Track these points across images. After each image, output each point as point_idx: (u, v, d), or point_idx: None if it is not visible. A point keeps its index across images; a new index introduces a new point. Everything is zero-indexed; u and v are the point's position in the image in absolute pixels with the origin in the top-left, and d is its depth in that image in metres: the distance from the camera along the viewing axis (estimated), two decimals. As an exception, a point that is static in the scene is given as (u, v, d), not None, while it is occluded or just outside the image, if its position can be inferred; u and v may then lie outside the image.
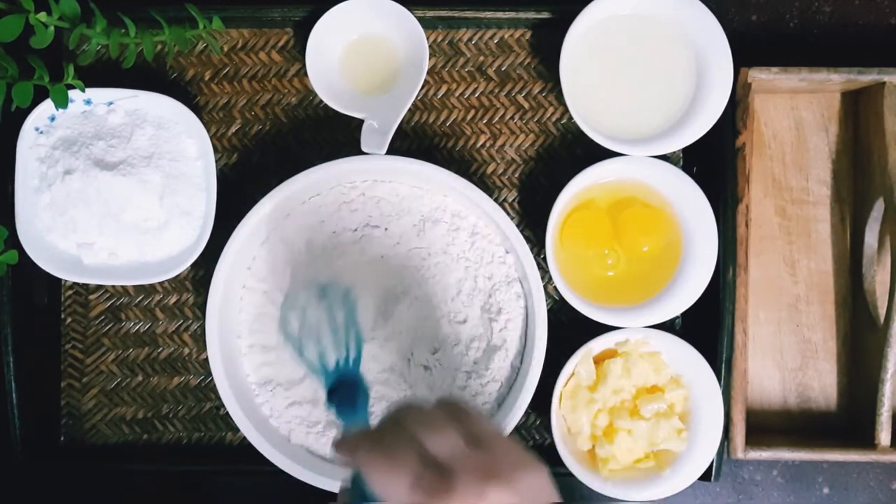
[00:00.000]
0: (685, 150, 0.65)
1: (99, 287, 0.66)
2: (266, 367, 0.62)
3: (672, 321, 0.65)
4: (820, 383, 0.67)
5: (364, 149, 0.63)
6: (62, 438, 0.66)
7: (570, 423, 0.62)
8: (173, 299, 0.66)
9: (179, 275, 0.63)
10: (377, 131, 0.62)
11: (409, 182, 0.63)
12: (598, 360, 0.63)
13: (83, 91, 0.60)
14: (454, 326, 0.62)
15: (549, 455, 0.63)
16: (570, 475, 0.61)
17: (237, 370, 0.61)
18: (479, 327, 0.62)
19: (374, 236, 0.62)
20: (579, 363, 0.62)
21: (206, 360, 0.60)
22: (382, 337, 0.61)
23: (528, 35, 0.66)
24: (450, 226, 0.62)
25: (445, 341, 0.61)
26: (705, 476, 0.62)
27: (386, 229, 0.62)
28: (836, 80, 0.63)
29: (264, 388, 0.62)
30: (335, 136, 0.66)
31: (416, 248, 0.62)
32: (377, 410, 0.61)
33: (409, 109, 0.65)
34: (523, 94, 0.67)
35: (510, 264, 0.62)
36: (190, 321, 0.66)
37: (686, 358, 0.62)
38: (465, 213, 0.63)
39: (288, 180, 0.59)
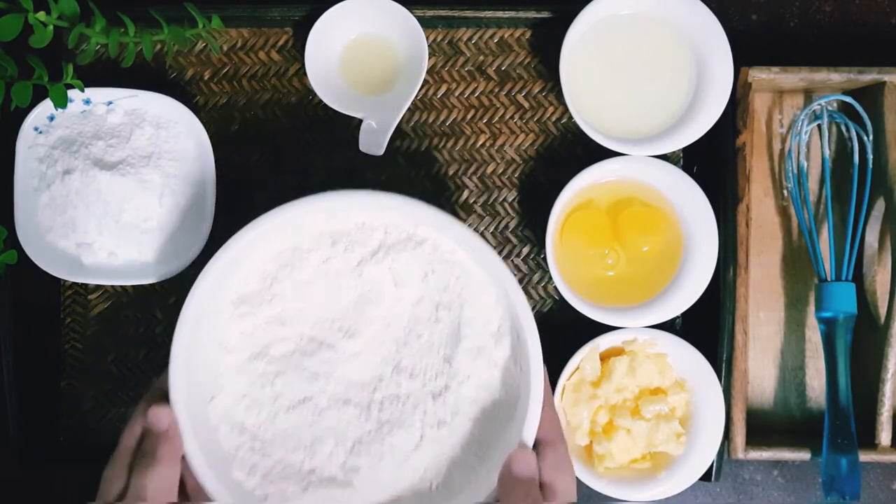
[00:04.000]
0: (685, 149, 0.65)
1: (98, 287, 0.66)
2: (244, 421, 0.55)
3: (672, 321, 0.65)
4: (820, 383, 0.67)
5: (362, 148, 0.63)
6: (62, 438, 0.66)
7: (569, 416, 0.62)
8: (173, 299, 0.66)
9: (178, 274, 0.63)
10: (376, 131, 0.62)
11: (390, 218, 0.56)
12: (604, 358, 0.63)
13: (82, 91, 0.60)
14: (433, 366, 0.56)
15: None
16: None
17: (208, 425, 0.54)
18: (459, 372, 0.55)
19: (352, 273, 0.56)
20: (585, 358, 0.62)
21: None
22: (356, 366, 0.56)
23: (528, 34, 0.66)
24: (430, 267, 0.56)
25: (419, 377, 0.56)
26: (706, 476, 0.62)
27: (364, 266, 0.56)
28: (835, 80, 0.63)
29: (240, 446, 0.55)
30: (335, 135, 0.66)
31: (398, 287, 0.56)
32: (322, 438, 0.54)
33: (409, 109, 0.65)
34: (523, 93, 0.67)
35: (501, 310, 0.55)
36: (189, 321, 0.66)
37: (689, 360, 0.62)
38: (451, 252, 0.56)
39: (263, 216, 0.52)
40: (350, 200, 0.54)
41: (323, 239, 0.56)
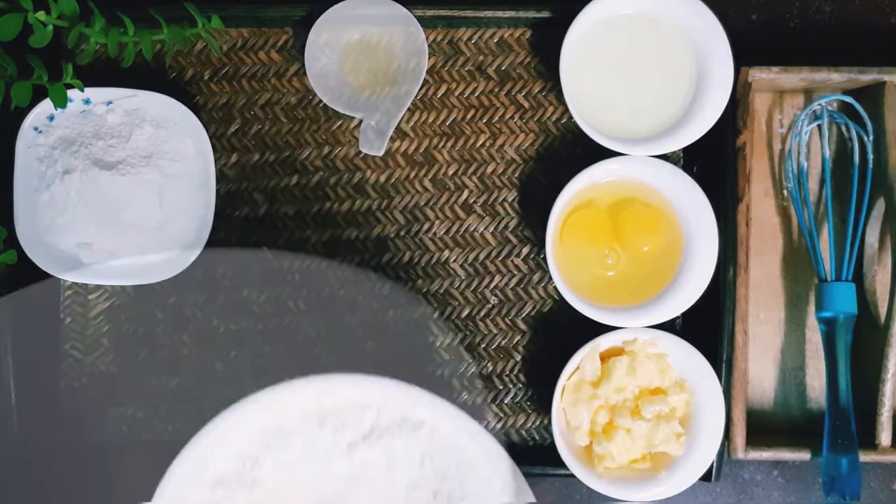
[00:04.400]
0: (685, 149, 0.65)
1: (98, 287, 0.66)
2: None
3: (672, 321, 0.65)
4: (820, 383, 0.67)
5: (362, 149, 0.63)
6: (62, 438, 0.66)
7: (570, 416, 0.62)
8: (172, 299, 0.66)
9: (178, 274, 0.63)
10: (376, 131, 0.62)
11: (384, 398, 0.52)
12: (604, 357, 0.63)
13: (82, 90, 0.60)
14: None
15: (548, 454, 0.63)
16: (568, 476, 0.61)
17: None
18: None
19: (341, 456, 0.52)
20: (585, 358, 0.62)
21: (206, 359, 0.59)
22: None
23: (528, 34, 0.66)
24: (428, 453, 0.52)
25: None
26: (706, 476, 0.62)
27: (354, 449, 0.52)
28: (836, 80, 0.63)
29: None
30: (335, 135, 0.66)
31: (392, 472, 0.52)
32: None
33: (409, 109, 0.65)
34: (523, 93, 0.67)
35: (507, 500, 0.51)
36: (189, 321, 0.66)
37: (689, 360, 0.62)
38: (451, 437, 0.52)
39: (243, 401, 0.49)
40: (340, 383, 0.51)
41: (310, 419, 0.52)
